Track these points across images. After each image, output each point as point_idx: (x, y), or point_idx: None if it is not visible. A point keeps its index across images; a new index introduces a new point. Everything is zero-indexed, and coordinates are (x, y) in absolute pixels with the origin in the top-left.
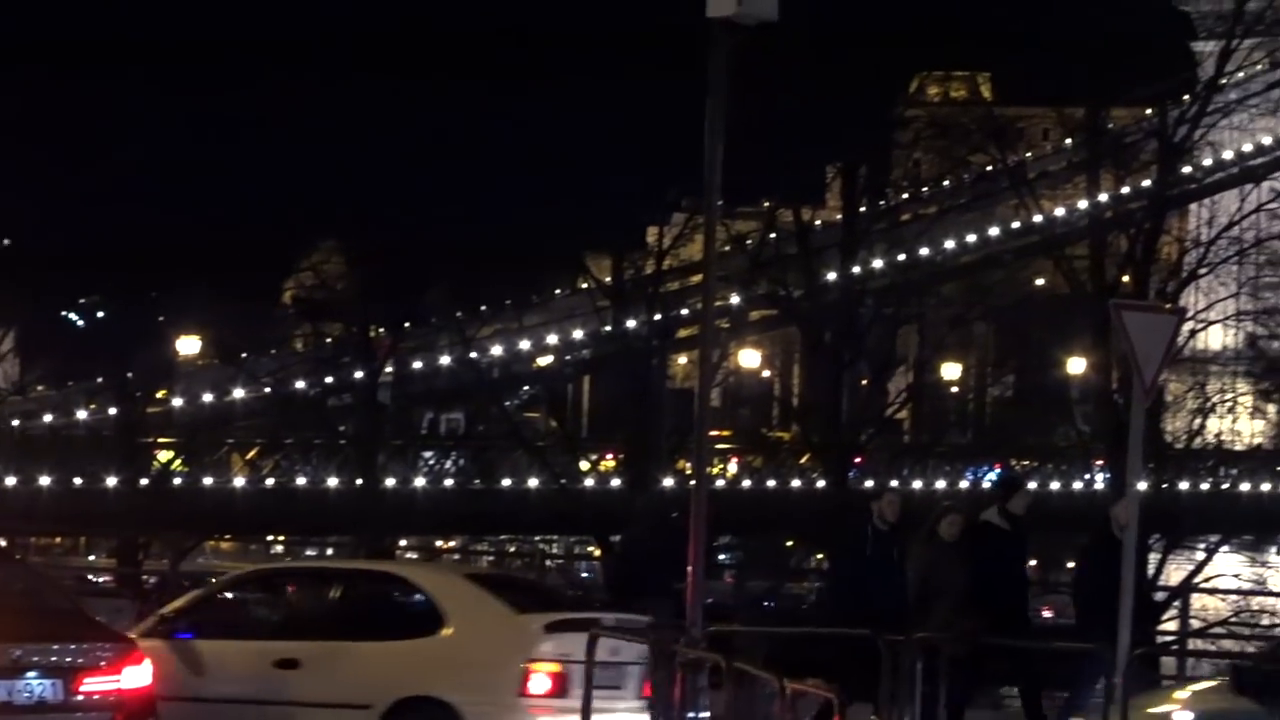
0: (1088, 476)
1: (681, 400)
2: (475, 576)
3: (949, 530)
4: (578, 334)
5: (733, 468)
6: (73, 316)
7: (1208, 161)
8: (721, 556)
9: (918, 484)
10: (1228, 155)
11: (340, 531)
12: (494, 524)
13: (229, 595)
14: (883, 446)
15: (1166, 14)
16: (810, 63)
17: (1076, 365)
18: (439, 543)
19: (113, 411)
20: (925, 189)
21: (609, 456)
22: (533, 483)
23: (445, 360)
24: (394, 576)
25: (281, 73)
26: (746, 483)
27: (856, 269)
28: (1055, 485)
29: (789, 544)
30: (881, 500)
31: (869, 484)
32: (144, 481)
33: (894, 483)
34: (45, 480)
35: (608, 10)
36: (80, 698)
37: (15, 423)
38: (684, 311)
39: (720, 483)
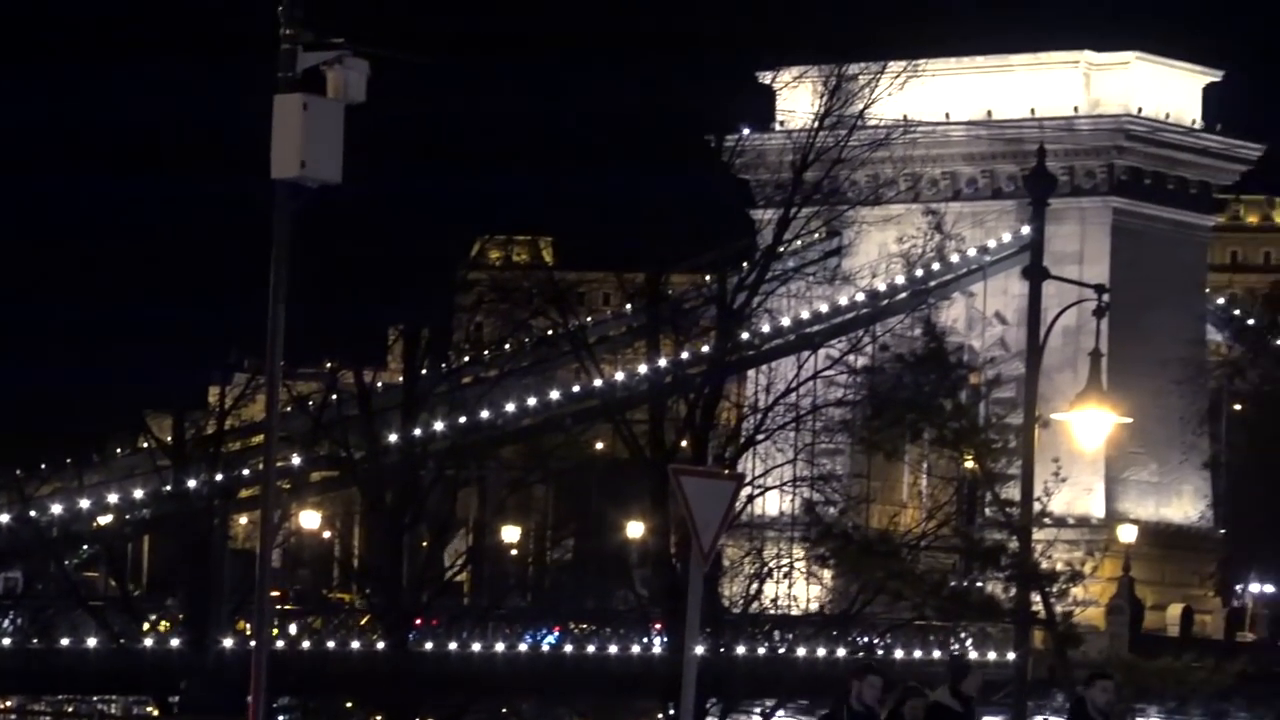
0: (646, 640)
1: (242, 560)
2: None
3: (913, 714)
4: (138, 493)
5: (293, 629)
6: None
7: (766, 328)
8: (281, 718)
9: (477, 646)
10: (785, 322)
11: None
12: (52, 683)
13: None
14: (443, 608)
15: (726, 181)
16: (373, 225)
17: (635, 529)
18: None
19: None
20: (486, 352)
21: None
22: (91, 642)
23: (4, 518)
24: None
25: None
26: (306, 644)
27: (418, 431)
28: (613, 649)
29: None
30: (863, 681)
31: (424, 647)
32: None
33: (453, 645)
34: None
35: (167, 171)
36: None
37: None
38: (245, 471)
39: (280, 644)
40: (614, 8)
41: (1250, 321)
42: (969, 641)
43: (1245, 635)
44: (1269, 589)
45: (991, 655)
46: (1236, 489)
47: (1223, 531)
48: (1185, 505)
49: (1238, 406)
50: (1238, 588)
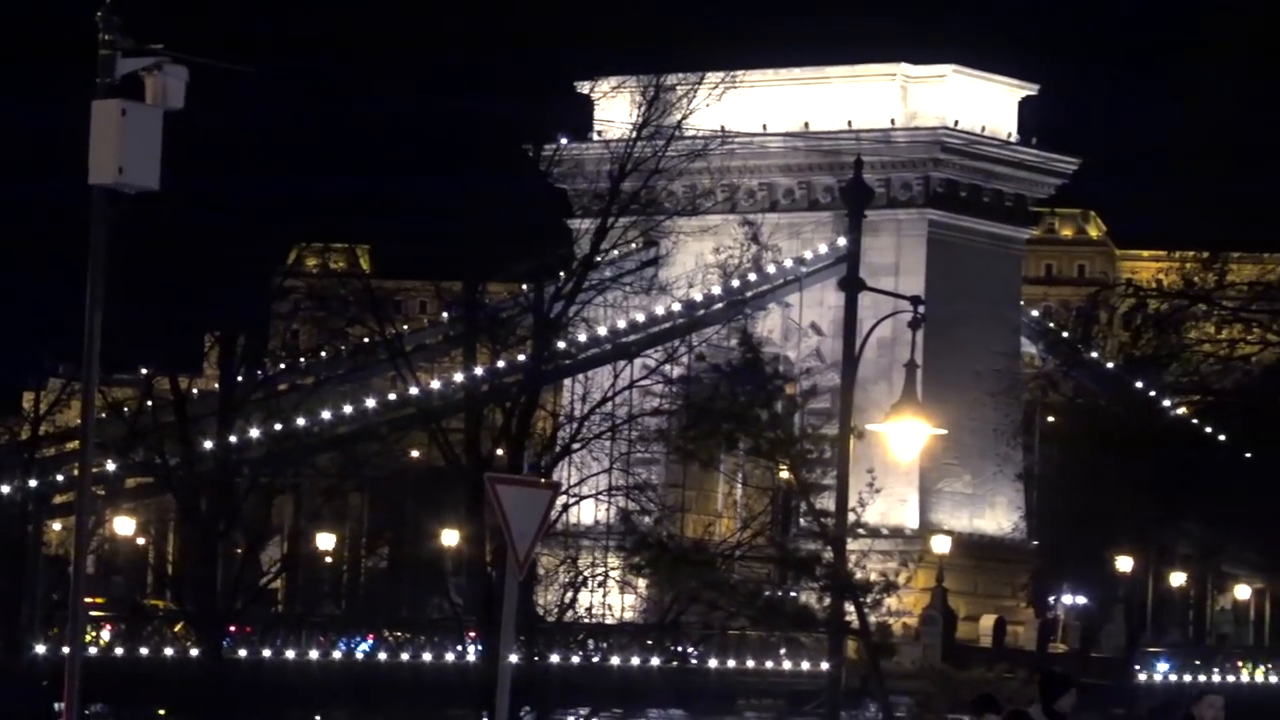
0: (460, 648)
1: (56, 567)
2: None
3: None
4: None
5: (106, 635)
6: None
7: (583, 337)
8: None
9: (291, 654)
10: (602, 331)
11: None
12: None
13: None
14: (257, 616)
15: (544, 191)
16: (190, 231)
17: (451, 537)
18: None
19: None
20: (303, 359)
21: None
22: None
23: None
24: None
25: None
26: (120, 650)
27: (233, 438)
28: (428, 657)
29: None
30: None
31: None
32: None
33: (267, 653)
34: None
35: None
36: None
37: None
38: (59, 477)
39: (93, 650)
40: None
41: (1064, 334)
42: (782, 651)
43: (1057, 646)
44: (1081, 600)
45: (805, 665)
46: (1049, 501)
47: (1035, 543)
48: (999, 517)
49: (1051, 419)
50: (1050, 599)
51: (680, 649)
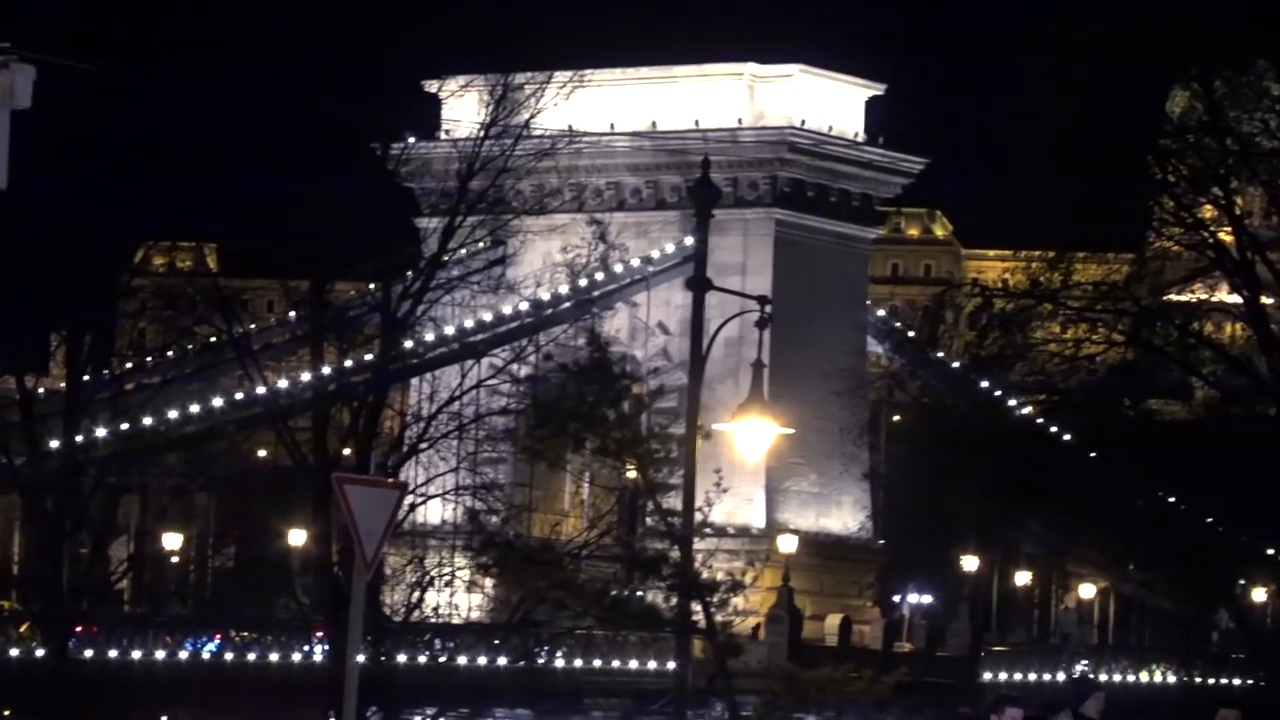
0: (307, 648)
1: None
2: None
3: None
4: None
5: None
6: None
7: (430, 336)
8: None
9: (137, 654)
10: (450, 331)
11: None
12: None
13: None
14: (103, 616)
15: (391, 189)
16: (35, 229)
17: (298, 537)
18: None
19: None
20: (150, 358)
21: None
22: None
23: None
24: None
25: None
26: None
27: (80, 437)
28: (275, 657)
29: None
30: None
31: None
32: None
33: (113, 653)
34: None
35: None
36: None
37: None
38: None
39: None
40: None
41: (910, 334)
42: (629, 650)
43: (903, 645)
44: (926, 599)
45: (652, 664)
46: (895, 500)
47: (881, 542)
48: (845, 516)
49: (897, 418)
50: (896, 598)
51: (527, 648)
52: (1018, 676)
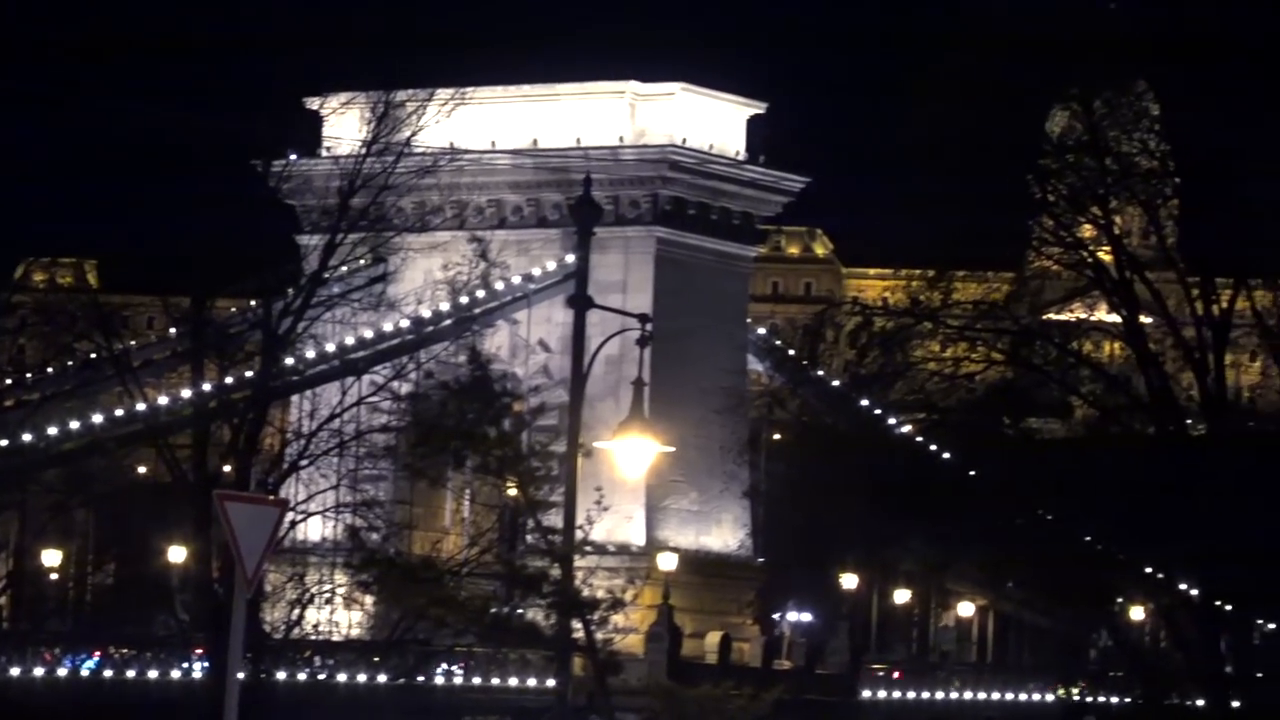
0: (186, 665)
1: None
2: None
3: None
4: None
5: None
6: None
7: (311, 354)
8: None
9: (16, 671)
10: (330, 348)
11: None
12: None
13: None
14: None
15: (273, 207)
16: None
17: (178, 554)
18: None
19: None
20: (29, 375)
21: None
22: None
23: None
24: None
25: None
26: None
27: None
28: (154, 674)
29: None
30: None
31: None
32: None
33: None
34: None
35: None
36: None
37: None
38: None
39: None
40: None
41: (790, 352)
42: (510, 668)
43: (782, 663)
44: (806, 617)
45: (532, 681)
46: (775, 518)
47: (761, 560)
48: (725, 534)
49: (777, 436)
50: (775, 616)
51: (407, 666)
52: (896, 695)
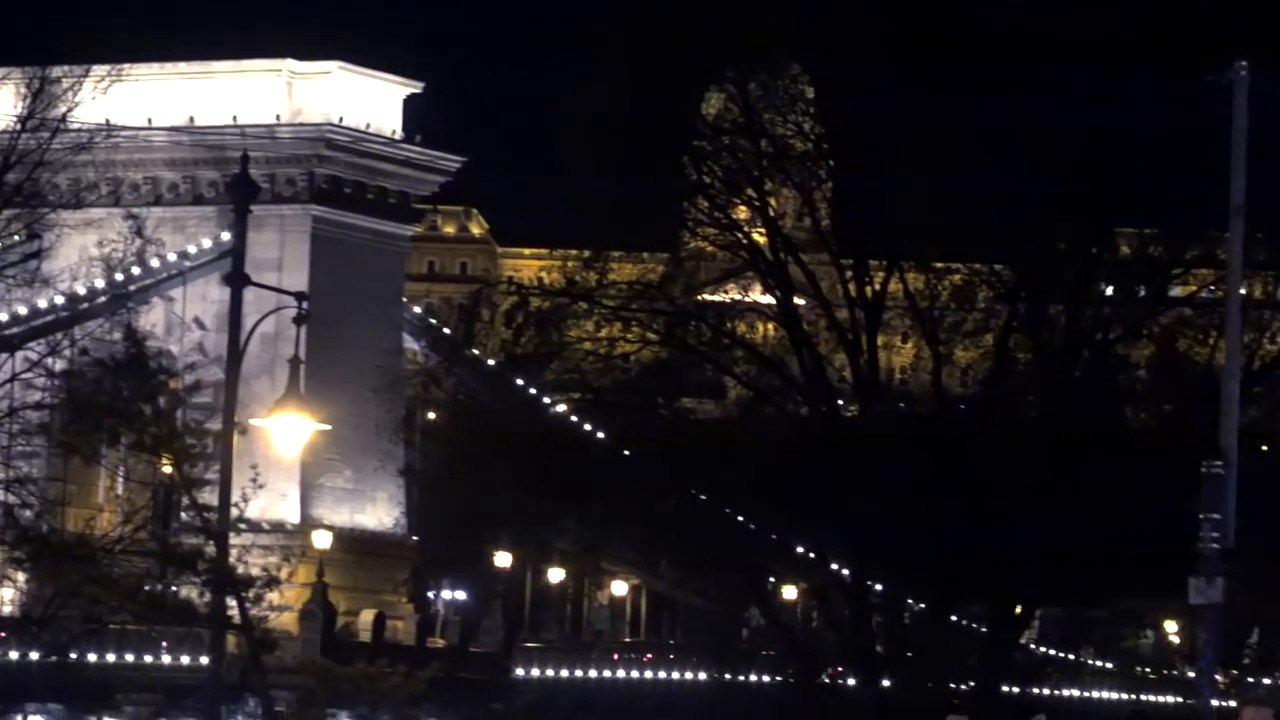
0: None
1: None
2: None
3: None
4: None
5: None
6: None
7: None
8: None
9: None
10: None
11: None
12: None
13: None
14: None
15: None
16: None
17: None
18: None
19: None
20: None
21: None
22: None
23: None
24: None
25: None
26: None
27: None
28: None
29: None
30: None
31: None
32: None
33: None
34: None
35: None
36: None
37: None
38: None
39: None
40: None
41: (446, 331)
42: (163, 645)
43: (437, 641)
44: (460, 596)
45: (185, 659)
46: (429, 497)
47: (416, 539)
48: (380, 512)
49: (432, 415)
50: (430, 594)
51: (58, 643)
52: (550, 673)
